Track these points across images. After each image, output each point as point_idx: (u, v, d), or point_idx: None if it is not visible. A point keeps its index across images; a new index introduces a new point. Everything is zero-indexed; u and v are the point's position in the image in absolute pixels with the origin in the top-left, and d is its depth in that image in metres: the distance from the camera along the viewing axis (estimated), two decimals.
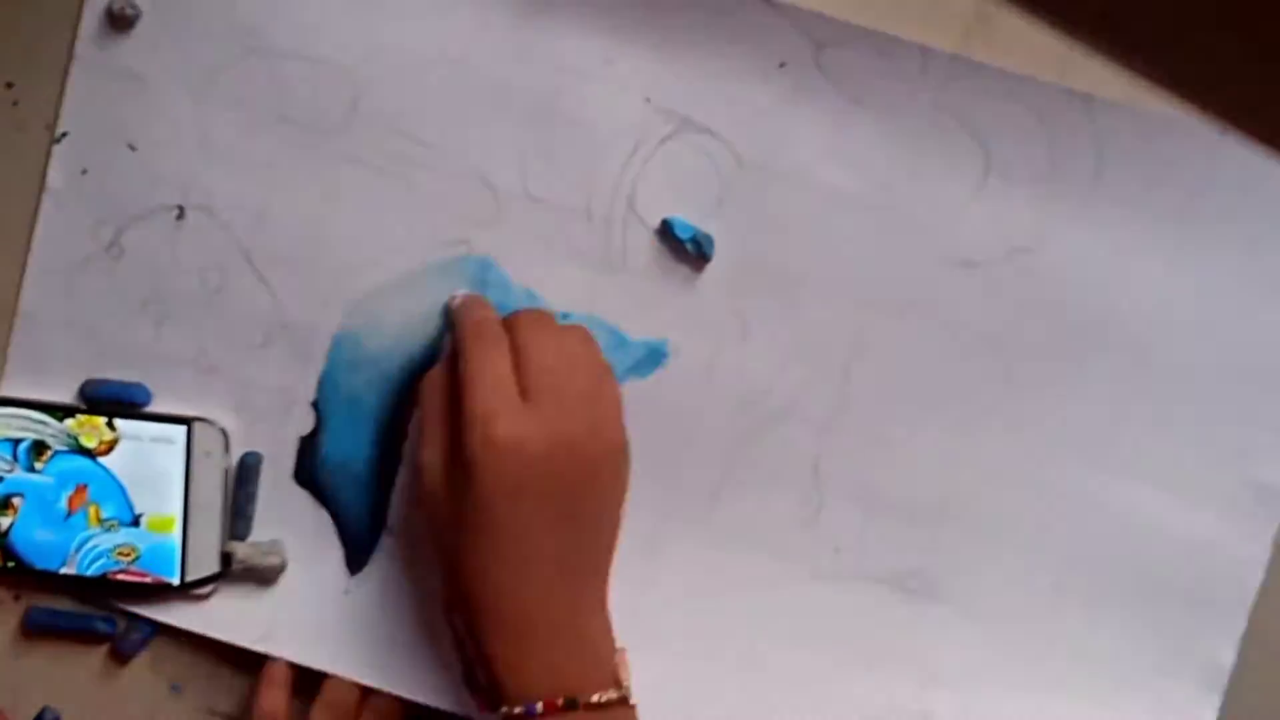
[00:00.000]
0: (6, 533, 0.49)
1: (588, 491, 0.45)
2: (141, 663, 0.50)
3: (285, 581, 0.50)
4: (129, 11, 0.49)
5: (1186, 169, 0.50)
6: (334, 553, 0.50)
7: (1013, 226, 0.50)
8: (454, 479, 0.44)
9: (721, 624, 0.51)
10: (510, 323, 0.47)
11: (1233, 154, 0.50)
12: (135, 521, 0.49)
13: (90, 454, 0.49)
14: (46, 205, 0.50)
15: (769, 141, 0.50)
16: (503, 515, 0.43)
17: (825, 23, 0.49)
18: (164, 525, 0.49)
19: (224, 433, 0.50)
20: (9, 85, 0.50)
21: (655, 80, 0.50)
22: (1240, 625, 0.51)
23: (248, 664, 0.50)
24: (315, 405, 0.50)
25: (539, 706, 0.42)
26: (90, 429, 0.49)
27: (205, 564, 0.49)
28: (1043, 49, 0.49)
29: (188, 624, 0.50)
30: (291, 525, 0.50)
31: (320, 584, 0.50)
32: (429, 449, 0.45)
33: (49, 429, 0.49)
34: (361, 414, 0.50)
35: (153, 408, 0.50)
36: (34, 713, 0.50)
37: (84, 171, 0.50)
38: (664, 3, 0.49)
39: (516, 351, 0.45)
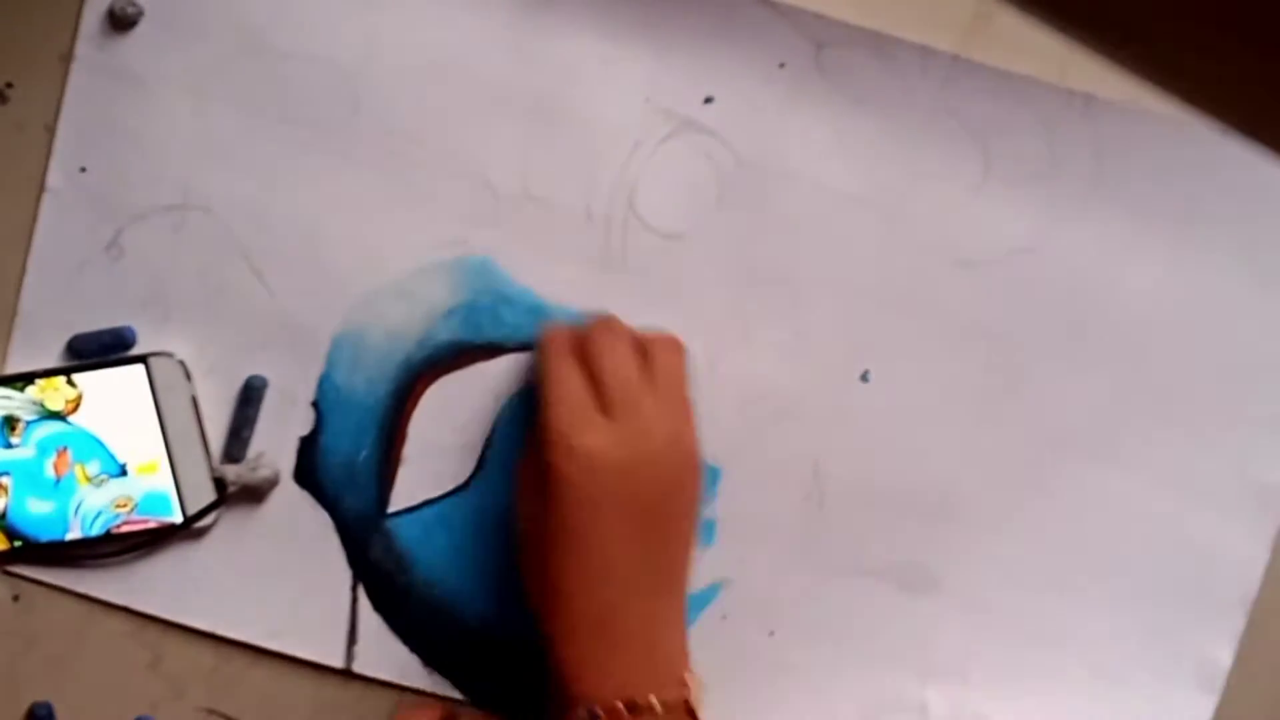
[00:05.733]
0: (4, 514, 0.49)
1: (666, 505, 0.45)
2: (141, 662, 0.50)
3: (287, 581, 0.50)
4: (129, 11, 0.49)
5: (1186, 169, 0.50)
6: (335, 552, 0.50)
7: (1013, 226, 0.50)
8: (539, 489, 0.44)
9: (722, 620, 0.51)
10: (587, 335, 0.46)
11: (1233, 154, 0.50)
12: (123, 471, 0.49)
13: (60, 416, 0.49)
14: (46, 205, 0.50)
15: (769, 141, 0.50)
16: (582, 526, 0.43)
17: (825, 23, 0.49)
18: (151, 468, 0.49)
19: (181, 363, 0.49)
20: (9, 85, 0.50)
21: (655, 80, 0.50)
22: (1239, 625, 0.51)
23: (247, 664, 0.50)
24: (315, 405, 0.50)
25: (600, 711, 0.42)
26: (52, 391, 0.49)
27: (201, 495, 0.49)
28: (1043, 49, 0.49)
29: (193, 622, 0.50)
30: (292, 525, 0.50)
31: (322, 583, 0.50)
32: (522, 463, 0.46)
33: (14, 401, 0.49)
34: (361, 414, 0.50)
35: None
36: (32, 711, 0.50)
37: (83, 171, 0.50)
38: (664, 3, 0.49)
39: (592, 363, 0.45)
